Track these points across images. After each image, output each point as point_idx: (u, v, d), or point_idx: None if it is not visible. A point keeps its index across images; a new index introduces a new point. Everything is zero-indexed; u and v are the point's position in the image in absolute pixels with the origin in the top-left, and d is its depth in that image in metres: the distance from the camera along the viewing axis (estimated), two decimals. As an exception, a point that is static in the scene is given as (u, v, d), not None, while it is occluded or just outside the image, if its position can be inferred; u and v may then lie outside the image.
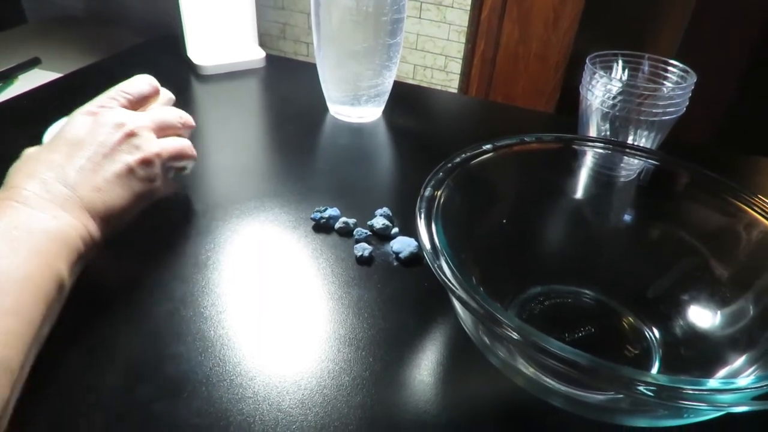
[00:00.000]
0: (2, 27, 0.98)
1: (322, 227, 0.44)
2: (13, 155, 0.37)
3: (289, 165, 0.55)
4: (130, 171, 0.38)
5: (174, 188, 0.45)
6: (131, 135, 0.39)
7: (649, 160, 0.40)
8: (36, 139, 0.45)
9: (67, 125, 0.39)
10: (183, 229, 0.43)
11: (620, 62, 0.51)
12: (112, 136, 0.38)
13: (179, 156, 0.43)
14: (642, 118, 0.47)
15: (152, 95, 0.44)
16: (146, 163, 0.39)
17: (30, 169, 0.36)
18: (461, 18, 0.95)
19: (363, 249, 0.41)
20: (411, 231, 0.44)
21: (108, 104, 0.41)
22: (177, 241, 0.42)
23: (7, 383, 0.27)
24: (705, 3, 1.26)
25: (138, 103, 0.43)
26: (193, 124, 0.45)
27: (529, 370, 0.29)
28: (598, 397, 0.29)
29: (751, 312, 0.32)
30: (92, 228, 0.36)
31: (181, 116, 0.44)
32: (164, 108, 0.44)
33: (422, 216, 0.31)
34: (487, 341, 0.30)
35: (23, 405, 0.30)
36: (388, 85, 0.61)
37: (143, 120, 0.41)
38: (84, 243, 0.35)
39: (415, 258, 0.41)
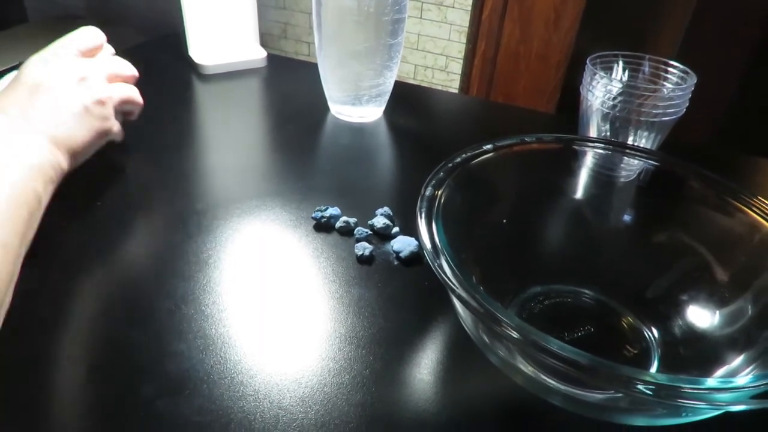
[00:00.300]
0: (4, 26, 0.98)
1: (323, 226, 0.45)
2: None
3: (290, 164, 0.55)
4: (87, 110, 0.43)
5: (123, 134, 0.49)
6: (84, 79, 0.44)
7: (649, 161, 0.40)
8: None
9: (22, 72, 0.43)
10: (184, 227, 0.44)
11: (620, 63, 0.51)
12: (67, 79, 0.43)
13: (128, 101, 0.48)
14: (642, 118, 0.47)
15: (99, 47, 0.48)
16: (100, 103, 0.44)
17: None
18: (462, 18, 0.95)
19: (364, 248, 0.42)
20: (411, 230, 0.44)
21: (60, 53, 0.45)
22: (178, 239, 0.42)
23: (9, 259, 0.32)
24: (706, 2, 1.26)
25: (87, 53, 0.47)
26: (137, 74, 0.50)
27: (528, 369, 0.29)
28: (597, 396, 0.30)
29: (750, 312, 0.33)
30: (60, 158, 0.40)
31: (127, 66, 0.49)
32: (112, 58, 0.49)
33: (423, 215, 0.32)
34: (487, 340, 0.30)
35: (30, 409, 0.30)
36: (389, 85, 0.61)
37: (95, 66, 0.46)
38: (53, 170, 0.39)
39: (416, 257, 0.42)
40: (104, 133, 0.45)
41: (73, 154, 0.42)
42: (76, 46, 0.46)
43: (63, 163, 0.40)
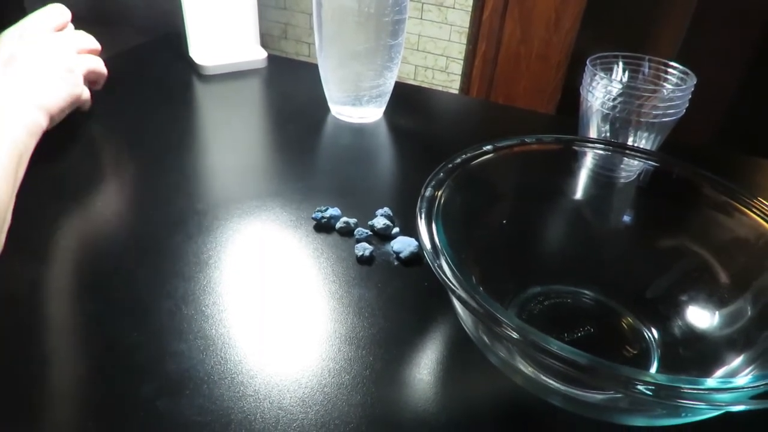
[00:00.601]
0: (3, 25, 0.98)
1: (323, 227, 0.45)
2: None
3: (290, 165, 0.55)
4: (60, 77, 0.48)
5: (91, 102, 0.56)
6: (55, 50, 0.49)
7: (649, 162, 0.40)
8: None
9: None
10: (184, 227, 0.44)
11: (620, 64, 0.51)
12: (39, 50, 0.48)
13: (94, 71, 0.54)
14: (642, 119, 0.47)
15: (66, 24, 0.53)
16: (71, 71, 0.50)
17: None
18: (462, 19, 0.95)
19: (364, 249, 0.42)
20: (411, 231, 0.44)
21: (30, 28, 0.49)
22: (178, 239, 0.42)
23: (9, 188, 0.38)
24: (706, 3, 1.26)
25: (55, 29, 0.52)
26: (100, 47, 0.56)
27: (528, 369, 0.30)
28: (597, 396, 0.30)
29: (749, 312, 0.33)
30: (40, 118, 0.45)
31: (91, 40, 0.55)
32: (77, 32, 0.54)
33: (423, 216, 0.32)
34: (487, 340, 0.30)
35: (30, 409, 0.30)
36: (390, 86, 0.61)
37: (64, 39, 0.51)
38: (36, 127, 0.44)
39: (416, 258, 0.42)
40: (76, 97, 0.50)
41: (51, 116, 0.47)
42: (46, 22, 0.50)
43: (42, 122, 0.45)
